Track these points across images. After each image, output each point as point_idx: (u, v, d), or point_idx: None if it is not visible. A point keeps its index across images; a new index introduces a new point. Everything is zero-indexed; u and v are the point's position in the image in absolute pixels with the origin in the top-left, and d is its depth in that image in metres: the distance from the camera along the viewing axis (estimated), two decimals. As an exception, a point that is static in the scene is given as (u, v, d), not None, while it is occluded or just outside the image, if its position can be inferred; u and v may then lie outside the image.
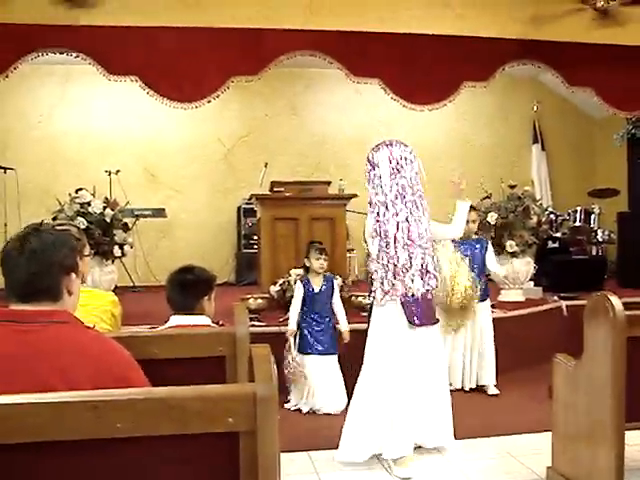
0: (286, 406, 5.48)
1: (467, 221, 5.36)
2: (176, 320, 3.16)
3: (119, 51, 6.28)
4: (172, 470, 1.80)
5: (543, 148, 11.40)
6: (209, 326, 3.16)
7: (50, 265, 2.00)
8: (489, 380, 5.87)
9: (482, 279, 5.88)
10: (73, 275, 2.09)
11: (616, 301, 3.46)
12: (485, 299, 5.94)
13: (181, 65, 6.31)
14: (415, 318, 4.24)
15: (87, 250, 3.41)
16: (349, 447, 4.28)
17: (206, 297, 3.25)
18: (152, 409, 1.73)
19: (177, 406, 1.74)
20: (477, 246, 5.97)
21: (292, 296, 5.97)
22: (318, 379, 5.40)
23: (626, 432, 3.48)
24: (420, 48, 6.80)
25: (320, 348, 5.43)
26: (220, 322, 3.30)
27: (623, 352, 3.40)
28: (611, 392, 3.40)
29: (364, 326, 4.57)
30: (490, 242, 6.15)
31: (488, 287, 6.08)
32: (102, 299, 3.22)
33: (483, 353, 5.89)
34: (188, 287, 3.22)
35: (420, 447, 4.44)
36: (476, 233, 6.10)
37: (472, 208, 5.82)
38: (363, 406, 4.29)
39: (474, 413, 5.32)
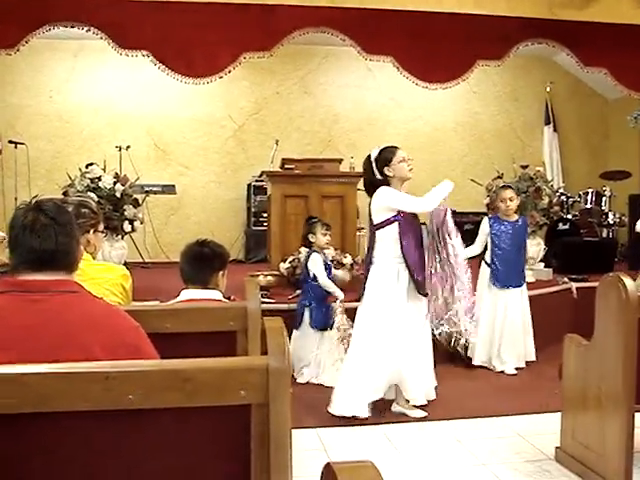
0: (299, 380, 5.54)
1: (504, 199, 5.38)
2: (188, 294, 3.16)
3: (131, 26, 6.25)
4: (183, 442, 1.80)
5: (555, 129, 11.31)
6: (221, 301, 3.16)
7: (74, 237, 2.03)
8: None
9: (521, 262, 5.91)
10: (81, 247, 2.10)
11: (629, 282, 3.45)
12: (522, 284, 5.99)
13: (193, 40, 6.28)
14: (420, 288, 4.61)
15: (101, 225, 3.42)
16: (346, 400, 4.57)
17: (220, 272, 3.25)
18: (164, 381, 1.73)
19: (189, 378, 1.74)
20: (520, 226, 5.95)
21: (301, 273, 6.00)
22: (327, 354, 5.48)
23: (636, 414, 3.48)
24: (434, 26, 6.75)
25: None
26: (232, 297, 3.30)
27: (634, 333, 3.39)
28: (622, 373, 3.39)
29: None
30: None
31: (524, 270, 6.12)
32: (113, 272, 3.21)
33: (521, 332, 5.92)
34: (203, 260, 3.22)
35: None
36: (519, 213, 6.08)
37: (509, 187, 5.83)
38: (360, 359, 4.60)
39: (484, 393, 5.34)
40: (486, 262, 5.95)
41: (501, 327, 5.87)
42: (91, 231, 3.27)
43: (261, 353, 2.53)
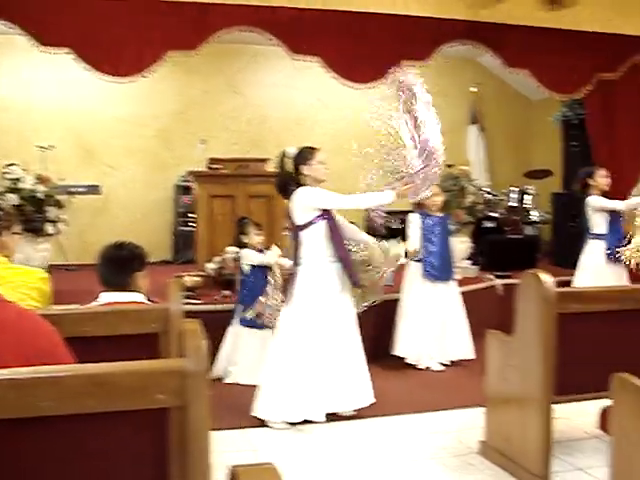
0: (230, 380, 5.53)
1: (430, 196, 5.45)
2: (107, 297, 3.10)
3: (52, 21, 6.08)
4: (100, 448, 1.77)
5: (481, 129, 11.51)
6: (142, 303, 3.11)
7: None
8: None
9: (450, 257, 5.99)
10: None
11: (546, 278, 3.53)
12: (451, 278, 6.10)
13: (117, 39, 6.15)
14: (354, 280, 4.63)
15: (17, 227, 3.34)
16: (273, 405, 4.51)
17: (140, 273, 3.20)
18: (78, 386, 1.70)
19: (105, 383, 1.71)
20: (443, 222, 6.04)
21: (229, 273, 5.99)
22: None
23: (555, 405, 3.57)
24: (360, 26, 6.77)
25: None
26: (154, 299, 3.25)
27: (553, 327, 3.48)
28: (541, 366, 3.47)
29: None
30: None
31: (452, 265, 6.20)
32: (31, 276, 3.14)
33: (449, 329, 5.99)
34: (121, 263, 3.16)
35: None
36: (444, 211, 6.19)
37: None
38: (284, 366, 4.53)
39: (412, 390, 5.39)
40: (416, 259, 6.02)
41: (433, 323, 5.93)
42: (4, 233, 3.19)
43: (179, 355, 2.52)
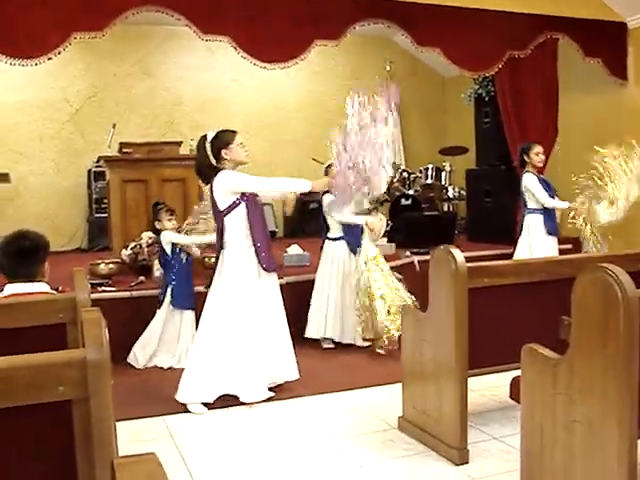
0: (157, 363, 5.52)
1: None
2: (12, 288, 3.00)
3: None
4: (3, 444, 1.72)
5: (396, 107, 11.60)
6: (48, 293, 3.03)
7: None
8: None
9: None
10: None
11: (458, 254, 3.58)
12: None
13: (16, 19, 5.90)
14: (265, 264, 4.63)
15: None
16: (193, 388, 4.50)
17: (45, 263, 3.11)
18: (-25, 382, 1.64)
19: (5, 377, 1.66)
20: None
21: (144, 259, 5.91)
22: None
23: (470, 378, 3.64)
24: (271, 6, 6.72)
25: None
26: (60, 288, 3.17)
27: (465, 302, 3.54)
28: (454, 341, 3.53)
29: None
30: None
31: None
32: None
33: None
34: (26, 254, 3.06)
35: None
36: None
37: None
38: (209, 348, 4.53)
39: (329, 370, 5.42)
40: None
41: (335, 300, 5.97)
42: None
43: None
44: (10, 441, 1.73)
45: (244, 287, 4.58)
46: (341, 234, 5.99)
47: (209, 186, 4.65)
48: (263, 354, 4.60)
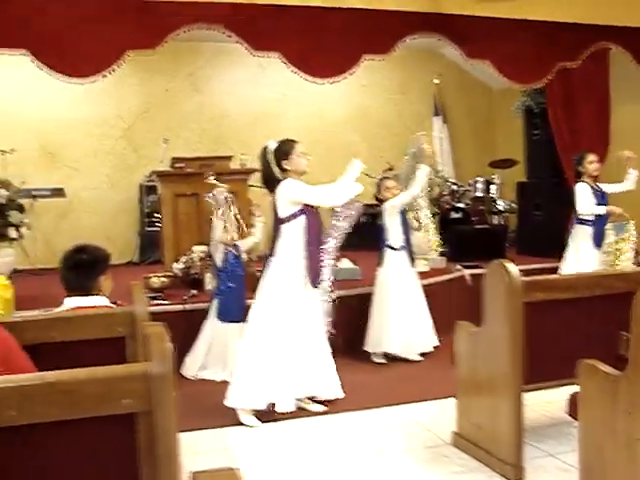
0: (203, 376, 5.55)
1: (388, 189, 5.54)
2: (72, 302, 3.06)
3: (6, 23, 5.98)
4: (68, 456, 1.75)
5: (445, 120, 11.56)
6: (107, 307, 3.08)
7: None
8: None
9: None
10: None
11: (512, 268, 3.55)
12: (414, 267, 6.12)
13: (74, 39, 6.04)
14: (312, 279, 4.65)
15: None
16: (241, 394, 4.53)
17: (102, 276, 3.16)
18: (43, 395, 1.67)
19: (69, 390, 1.69)
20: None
21: (196, 272, 5.96)
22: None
23: (524, 394, 3.59)
24: (320, 21, 6.75)
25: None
26: (118, 302, 3.22)
27: (520, 317, 3.50)
28: (509, 355, 3.49)
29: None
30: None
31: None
32: (-8, 283, 3.09)
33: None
34: (84, 267, 3.12)
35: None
36: None
37: (388, 178, 5.95)
38: (251, 355, 4.57)
39: (381, 383, 5.40)
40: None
41: (396, 315, 5.94)
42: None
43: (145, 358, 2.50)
44: (76, 452, 1.76)
45: (285, 297, 4.59)
46: (403, 243, 5.98)
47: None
48: (298, 366, 4.58)
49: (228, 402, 4.56)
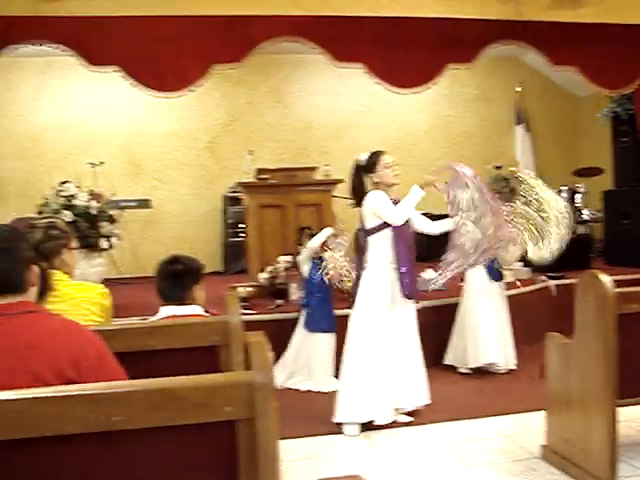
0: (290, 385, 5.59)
1: None
2: (167, 311, 3.13)
3: (99, 41, 6.20)
4: (170, 462, 1.79)
5: (527, 129, 11.39)
6: (201, 316, 3.14)
7: (15, 261, 2.03)
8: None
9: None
10: (34, 267, 2.10)
11: (605, 279, 3.48)
12: (498, 280, 6.02)
13: (162, 54, 6.24)
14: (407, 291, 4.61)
15: (74, 243, 3.39)
16: (346, 408, 4.54)
17: (196, 286, 3.23)
18: (149, 401, 1.72)
19: (174, 397, 1.73)
20: None
21: (282, 282, 6.02)
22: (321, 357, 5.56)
23: (619, 408, 3.51)
24: (403, 31, 6.77)
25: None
26: (212, 311, 3.28)
27: (614, 329, 3.42)
28: (603, 369, 3.42)
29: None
30: None
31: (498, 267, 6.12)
32: (92, 291, 3.19)
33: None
34: (178, 277, 3.19)
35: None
36: None
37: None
38: (349, 369, 4.58)
39: (467, 395, 5.36)
40: None
41: (486, 326, 5.87)
42: (64, 251, 3.25)
43: (245, 367, 2.54)
44: (179, 458, 1.80)
45: (376, 310, 4.58)
46: None
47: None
48: (394, 378, 4.59)
49: (337, 418, 4.55)
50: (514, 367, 5.91)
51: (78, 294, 3.07)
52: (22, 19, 6.05)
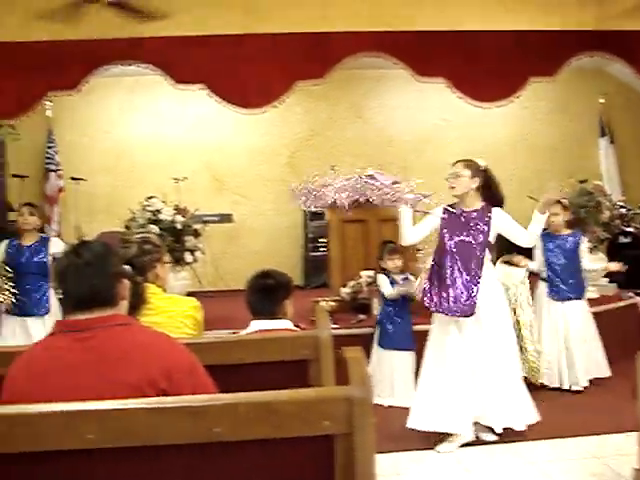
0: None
1: (551, 214, 5.38)
2: (258, 325, 3.18)
3: (185, 60, 6.38)
4: (269, 474, 1.82)
5: (611, 141, 11.13)
6: (291, 330, 3.18)
7: (106, 275, 2.09)
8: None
9: (577, 275, 5.83)
10: (125, 281, 2.17)
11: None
12: (581, 297, 5.89)
13: (246, 71, 6.38)
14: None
15: (167, 257, 3.48)
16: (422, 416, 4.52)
17: (287, 300, 3.27)
18: (250, 413, 1.75)
19: (275, 410, 1.76)
20: (570, 240, 5.90)
21: (364, 297, 6.03)
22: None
23: None
24: (485, 45, 6.74)
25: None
26: (301, 326, 3.32)
27: None
28: (701, 390, 3.31)
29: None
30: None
31: (583, 284, 6.00)
32: (184, 304, 3.27)
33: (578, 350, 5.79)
34: (270, 292, 3.24)
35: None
36: (570, 227, 6.02)
37: (557, 201, 5.74)
38: (431, 379, 4.56)
39: (554, 413, 5.24)
40: (542, 278, 5.92)
41: (565, 342, 5.77)
42: (158, 265, 3.33)
43: (335, 382, 2.56)
44: (277, 471, 1.83)
45: (454, 322, 4.55)
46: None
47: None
48: (475, 392, 4.49)
49: (408, 423, 4.56)
50: (603, 385, 5.77)
51: (172, 307, 3.15)
52: (111, 42, 6.26)
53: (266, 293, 3.23)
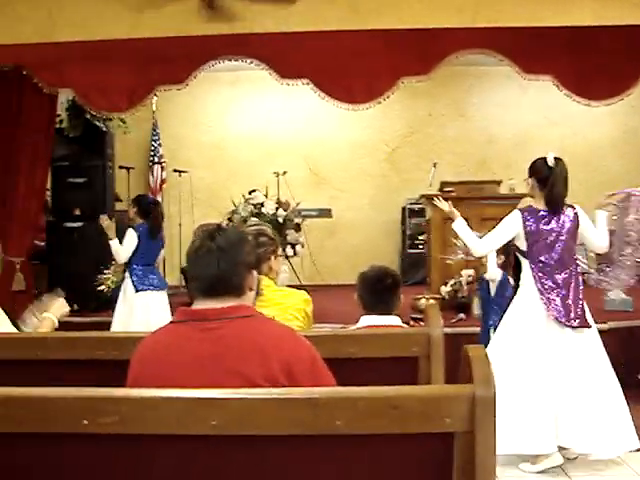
0: None
1: None
2: (368, 320, 3.21)
3: (292, 55, 6.43)
4: (388, 468, 1.83)
5: None
6: (400, 326, 3.19)
7: (237, 263, 2.08)
8: None
9: None
10: (254, 272, 2.17)
11: None
12: None
13: (352, 68, 6.38)
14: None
15: (280, 251, 3.54)
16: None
17: (398, 297, 3.29)
18: (371, 407, 1.77)
19: (397, 405, 1.77)
20: None
21: (464, 296, 5.98)
22: None
23: None
24: (595, 41, 6.53)
25: None
26: (411, 323, 3.33)
27: None
28: None
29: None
30: None
31: None
32: (296, 297, 3.32)
33: None
34: (385, 289, 3.26)
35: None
36: None
37: None
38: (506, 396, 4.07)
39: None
40: None
41: None
42: (272, 258, 3.39)
43: (445, 380, 2.56)
44: (395, 465, 1.84)
45: (528, 333, 4.26)
46: None
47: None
48: (550, 409, 4.13)
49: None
50: None
51: (283, 300, 3.20)
52: (219, 37, 6.37)
53: (385, 291, 3.26)
